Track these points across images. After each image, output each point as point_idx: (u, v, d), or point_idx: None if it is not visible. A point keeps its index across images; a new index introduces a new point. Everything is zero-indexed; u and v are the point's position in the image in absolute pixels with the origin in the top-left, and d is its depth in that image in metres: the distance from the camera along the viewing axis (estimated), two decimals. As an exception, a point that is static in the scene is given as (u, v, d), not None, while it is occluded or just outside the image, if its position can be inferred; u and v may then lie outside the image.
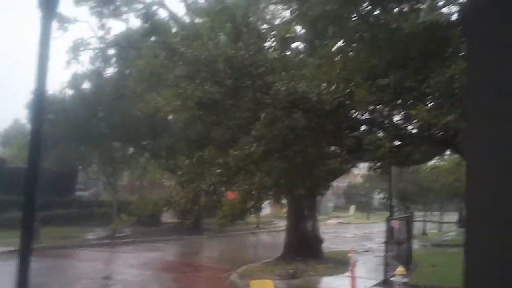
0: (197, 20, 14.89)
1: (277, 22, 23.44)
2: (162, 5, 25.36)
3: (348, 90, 10.84)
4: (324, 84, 11.00)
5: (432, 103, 10.69)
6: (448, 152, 22.27)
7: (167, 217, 35.92)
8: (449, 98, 9.59)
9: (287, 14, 20.96)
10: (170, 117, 17.09)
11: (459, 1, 11.61)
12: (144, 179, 42.57)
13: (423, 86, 10.17)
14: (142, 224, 33.04)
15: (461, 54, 9.44)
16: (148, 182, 43.93)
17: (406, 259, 20.81)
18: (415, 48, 10.17)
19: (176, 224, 33.34)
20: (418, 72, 10.37)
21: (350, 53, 11.68)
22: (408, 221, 23.92)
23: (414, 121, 11.13)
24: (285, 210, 30.89)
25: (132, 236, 30.57)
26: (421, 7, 9.93)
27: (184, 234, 30.96)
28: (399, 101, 11.56)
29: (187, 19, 22.66)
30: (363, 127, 13.02)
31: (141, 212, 27.66)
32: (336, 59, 12.49)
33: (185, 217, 26.66)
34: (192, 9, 18.45)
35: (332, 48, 13.47)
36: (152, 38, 19.66)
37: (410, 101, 11.14)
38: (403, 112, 11.78)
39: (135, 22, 37.81)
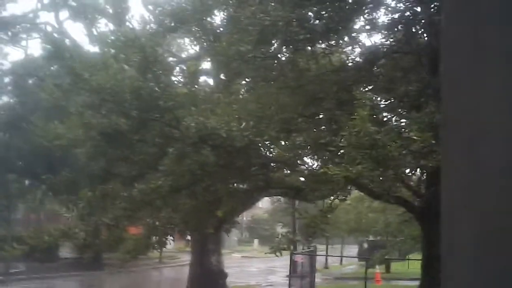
0: (103, 50, 14.38)
1: (183, 55, 23.34)
2: (65, 33, 24.53)
3: (257, 128, 10.77)
4: (234, 121, 10.90)
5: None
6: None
7: (66, 252, 34.16)
8: (358, 149, 9.35)
9: (193, 47, 20.91)
10: (71, 152, 16.27)
11: (363, 43, 12.01)
12: (41, 212, 40.45)
13: (336, 141, 10.09)
14: (38, 260, 31.22)
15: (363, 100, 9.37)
16: (45, 215, 41.72)
17: (310, 293, 20.98)
18: (325, 91, 10.25)
19: (75, 259, 31.70)
20: (331, 123, 10.37)
21: (261, 92, 11.67)
22: (311, 255, 24.20)
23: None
24: (189, 244, 30.34)
25: (26, 273, 28.83)
26: (332, 49, 10.09)
27: (83, 269, 29.48)
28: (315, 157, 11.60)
29: (91, 50, 22.03)
30: (272, 164, 12.99)
31: (36, 243, 26.19)
32: (246, 95, 12.46)
33: (84, 252, 25.45)
34: (97, 40, 17.89)
35: (242, 85, 13.45)
36: (55, 66, 18.86)
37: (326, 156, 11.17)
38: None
39: (35, 50, 36.38)
